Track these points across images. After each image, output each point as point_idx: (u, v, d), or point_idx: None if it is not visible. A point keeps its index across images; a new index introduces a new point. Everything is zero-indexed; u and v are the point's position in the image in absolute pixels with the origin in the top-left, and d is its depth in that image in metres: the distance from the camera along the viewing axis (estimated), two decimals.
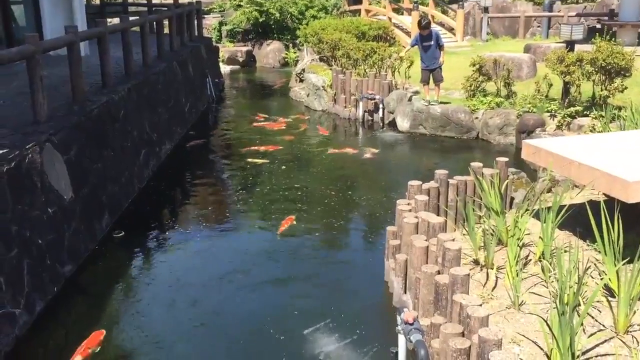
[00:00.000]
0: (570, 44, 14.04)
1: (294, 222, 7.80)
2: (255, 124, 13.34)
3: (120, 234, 7.34)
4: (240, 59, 22.76)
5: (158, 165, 10.00)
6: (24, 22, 12.50)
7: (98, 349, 5.11)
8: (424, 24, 11.93)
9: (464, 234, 5.83)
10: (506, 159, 6.76)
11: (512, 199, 6.88)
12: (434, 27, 12.82)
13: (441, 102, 12.17)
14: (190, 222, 7.97)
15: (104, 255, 6.89)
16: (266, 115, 13.72)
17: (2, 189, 5.32)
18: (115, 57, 9.85)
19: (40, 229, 5.85)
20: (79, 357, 4.99)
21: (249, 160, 10.54)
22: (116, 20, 12.18)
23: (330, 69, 15.25)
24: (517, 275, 4.60)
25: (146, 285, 6.32)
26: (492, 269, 5.06)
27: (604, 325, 4.20)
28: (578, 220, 5.52)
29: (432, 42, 11.91)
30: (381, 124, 13.04)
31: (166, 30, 14.24)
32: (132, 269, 6.73)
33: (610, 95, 10.43)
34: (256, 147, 11.31)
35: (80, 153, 7.09)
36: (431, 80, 12.12)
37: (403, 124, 12.46)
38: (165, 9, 15.27)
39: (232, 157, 11.32)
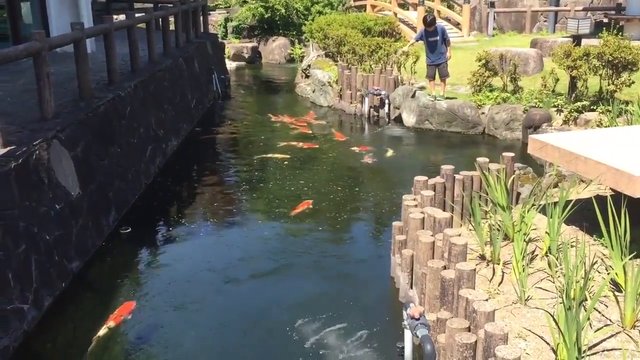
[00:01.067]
0: (577, 39, 13.98)
1: (310, 206, 8.04)
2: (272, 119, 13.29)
3: (127, 230, 7.37)
4: (246, 55, 22.76)
5: (164, 161, 10.03)
6: (30, 20, 12.53)
7: (129, 317, 5.56)
8: (429, 21, 11.88)
9: (470, 229, 5.82)
10: (512, 154, 6.76)
11: (519, 194, 6.87)
12: (440, 23, 12.76)
13: (447, 98, 12.15)
14: (196, 218, 8.00)
15: (111, 251, 6.92)
16: (284, 118, 13.50)
17: (9, 186, 5.35)
18: (121, 53, 9.88)
19: (47, 225, 5.88)
20: (112, 323, 5.45)
21: (260, 156, 10.56)
22: (122, 17, 12.20)
23: (336, 65, 15.24)
24: (524, 270, 4.60)
25: (153, 280, 6.35)
26: (499, 264, 5.06)
27: (610, 320, 4.20)
28: (585, 215, 5.51)
29: (438, 38, 11.87)
30: (387, 120, 13.03)
31: (172, 27, 14.27)
32: (139, 265, 6.76)
33: (618, 90, 10.39)
34: (263, 143, 11.34)
35: (87, 149, 7.12)
36: (437, 76, 12.10)
37: (409, 119, 12.45)
38: (171, 5, 15.28)
39: (238, 153, 11.35)
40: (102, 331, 5.33)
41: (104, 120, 7.85)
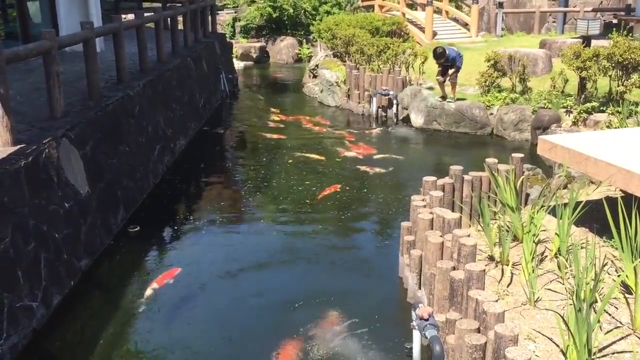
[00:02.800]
0: (586, 40, 13.93)
1: (338, 190, 8.54)
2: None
3: (136, 229, 7.39)
4: (254, 55, 22.78)
5: (173, 160, 10.05)
6: (40, 19, 12.58)
7: (172, 281, 6.14)
8: (438, 54, 11.73)
9: (478, 230, 5.81)
10: (522, 155, 6.73)
11: (528, 195, 6.85)
12: (452, 48, 12.49)
13: (457, 99, 12.12)
14: (205, 217, 8.00)
15: (120, 249, 6.94)
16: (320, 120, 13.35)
17: (19, 184, 5.38)
18: (129, 53, 9.90)
19: (57, 223, 5.90)
20: (155, 285, 6.03)
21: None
22: (131, 16, 12.23)
23: (344, 65, 15.24)
24: (533, 271, 4.58)
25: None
26: (508, 265, 5.04)
27: (621, 322, 4.18)
28: (595, 217, 5.48)
29: (449, 64, 11.83)
30: (395, 120, 13.01)
31: (180, 26, 14.29)
32: (147, 264, 6.77)
33: (627, 91, 10.34)
34: (273, 143, 11.36)
35: (96, 148, 7.14)
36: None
37: (417, 119, 12.43)
38: (180, 5, 15.31)
39: (246, 153, 11.36)
40: (148, 292, 5.94)
41: (112, 119, 7.88)
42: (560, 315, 4.06)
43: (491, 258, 5.22)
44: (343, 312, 5.54)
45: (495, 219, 5.68)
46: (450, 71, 11.86)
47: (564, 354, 3.80)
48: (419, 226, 5.54)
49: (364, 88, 13.84)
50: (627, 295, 4.34)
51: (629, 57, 10.06)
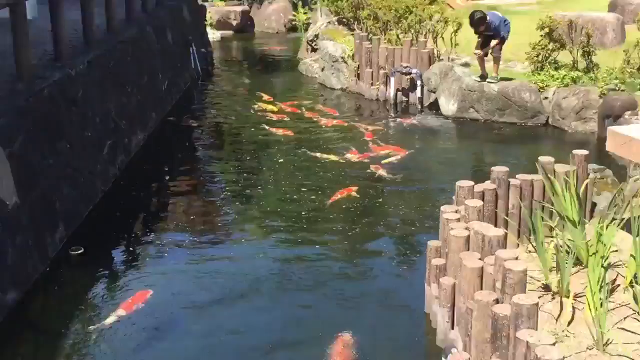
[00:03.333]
0: None
1: (353, 193, 8.79)
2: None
3: (79, 251, 7.39)
4: (234, 22, 22.87)
5: (128, 160, 10.07)
6: None
7: (142, 306, 6.29)
8: (476, 19, 11.72)
9: (529, 251, 5.81)
10: (586, 152, 6.73)
11: (594, 204, 6.85)
12: (494, 13, 12.40)
13: (501, 79, 12.13)
14: (169, 235, 8.01)
15: (58, 278, 6.95)
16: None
17: None
18: (71, 20, 9.92)
19: None
20: (121, 311, 6.22)
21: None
22: None
23: (352, 35, 15.27)
24: (602, 305, 4.58)
25: (111, 317, 6.35)
26: (568, 297, 5.05)
27: None
28: None
29: (492, 33, 11.81)
30: (419, 107, 13.05)
31: None
32: (93, 297, 6.77)
33: None
34: (255, 137, 11.40)
35: (27, 146, 7.15)
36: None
37: (448, 106, 12.45)
38: None
39: (224, 151, 11.40)
40: (110, 319, 6.08)
41: (49, 107, 7.89)
42: None
43: (546, 287, 5.23)
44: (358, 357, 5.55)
45: (552, 237, 5.69)
46: (493, 42, 11.91)
47: None
48: (451, 246, 5.54)
49: (379, 65, 13.86)
50: None
51: None
